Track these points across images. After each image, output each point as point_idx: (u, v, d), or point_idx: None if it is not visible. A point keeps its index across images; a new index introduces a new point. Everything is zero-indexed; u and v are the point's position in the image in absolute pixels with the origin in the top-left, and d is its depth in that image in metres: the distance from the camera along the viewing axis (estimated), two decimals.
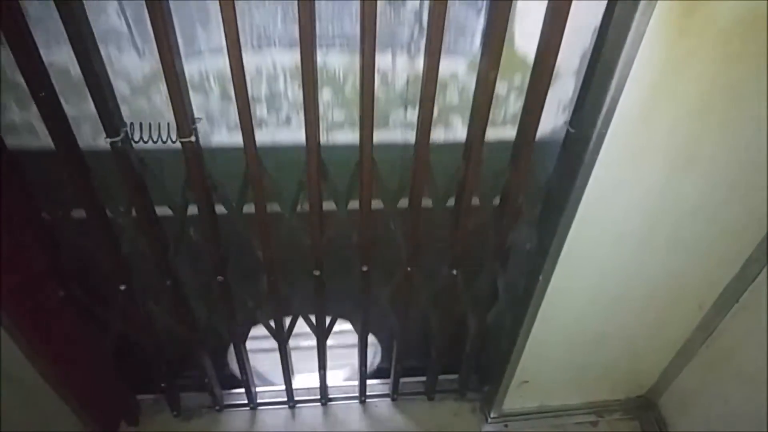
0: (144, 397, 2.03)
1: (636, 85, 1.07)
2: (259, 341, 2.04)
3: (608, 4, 1.07)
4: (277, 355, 1.83)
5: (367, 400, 2.08)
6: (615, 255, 1.47)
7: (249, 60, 1.15)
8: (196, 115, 1.22)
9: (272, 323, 1.70)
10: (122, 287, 1.50)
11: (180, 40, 1.11)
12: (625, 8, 0.99)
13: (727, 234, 1.46)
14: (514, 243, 1.53)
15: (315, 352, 1.86)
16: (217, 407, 2.02)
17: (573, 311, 1.62)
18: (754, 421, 1.58)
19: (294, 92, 1.24)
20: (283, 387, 1.99)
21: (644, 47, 1.01)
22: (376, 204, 1.40)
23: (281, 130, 1.32)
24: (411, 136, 1.28)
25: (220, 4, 0.98)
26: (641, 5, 0.96)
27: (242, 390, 1.98)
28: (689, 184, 1.31)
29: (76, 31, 1.03)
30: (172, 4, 1.04)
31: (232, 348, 1.83)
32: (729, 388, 1.68)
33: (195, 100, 1.22)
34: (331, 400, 2.08)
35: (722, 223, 1.43)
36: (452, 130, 1.35)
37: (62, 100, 1.17)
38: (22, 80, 1.08)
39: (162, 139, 1.23)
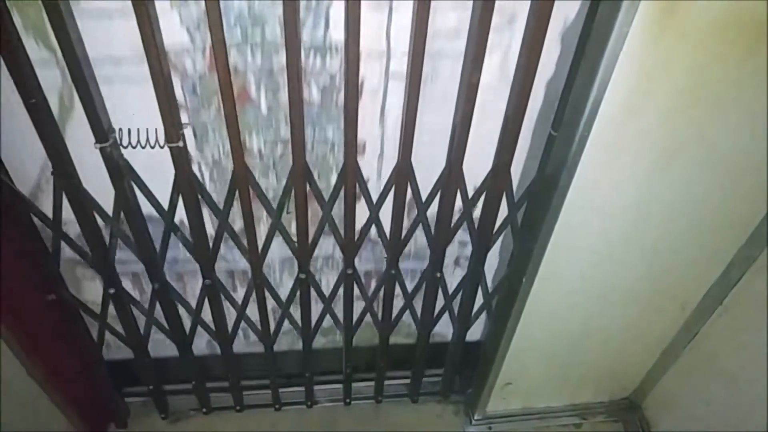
0: (133, 399, 2.03)
1: (618, 87, 1.08)
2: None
3: (591, 5, 1.09)
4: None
5: (352, 402, 2.09)
6: (598, 256, 1.48)
7: None
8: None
9: (259, 326, 1.70)
10: (111, 291, 1.50)
11: None
12: (608, 8, 1.00)
13: (711, 235, 1.47)
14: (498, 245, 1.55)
15: None
16: (205, 410, 2.02)
17: (556, 313, 1.63)
18: (736, 424, 1.60)
19: None
20: (270, 390, 2.00)
21: (627, 48, 1.02)
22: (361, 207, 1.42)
23: None
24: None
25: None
26: (624, 5, 0.96)
27: (229, 392, 1.98)
28: (671, 185, 1.32)
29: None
30: None
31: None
32: (711, 391, 1.70)
33: None
34: (316, 402, 2.08)
35: (705, 224, 1.44)
36: None
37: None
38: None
39: (150, 145, 1.25)
